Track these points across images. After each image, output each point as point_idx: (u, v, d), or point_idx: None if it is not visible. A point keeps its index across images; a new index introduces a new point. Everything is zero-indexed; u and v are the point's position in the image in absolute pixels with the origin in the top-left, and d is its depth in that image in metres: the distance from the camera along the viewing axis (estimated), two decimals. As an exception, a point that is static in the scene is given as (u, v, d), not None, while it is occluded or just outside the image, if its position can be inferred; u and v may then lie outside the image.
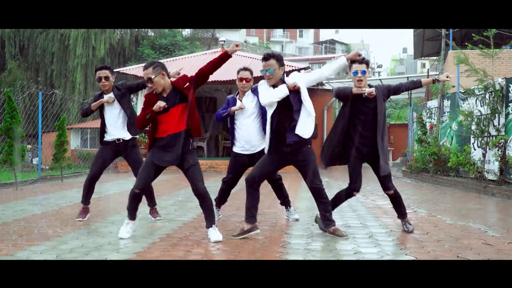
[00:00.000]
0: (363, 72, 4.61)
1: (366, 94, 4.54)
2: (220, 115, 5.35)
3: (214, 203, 5.37)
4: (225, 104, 5.41)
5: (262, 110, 5.42)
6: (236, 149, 5.35)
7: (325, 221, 4.63)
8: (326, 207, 4.62)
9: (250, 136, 5.26)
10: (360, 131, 4.64)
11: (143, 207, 5.49)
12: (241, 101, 5.33)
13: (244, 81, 5.35)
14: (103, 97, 5.48)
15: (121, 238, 4.42)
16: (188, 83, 4.39)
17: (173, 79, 4.55)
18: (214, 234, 4.38)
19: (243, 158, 5.32)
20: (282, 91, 4.41)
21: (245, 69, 5.41)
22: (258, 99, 5.22)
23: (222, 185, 5.53)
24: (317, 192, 4.58)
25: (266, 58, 4.49)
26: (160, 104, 4.26)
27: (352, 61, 4.68)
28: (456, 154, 9.77)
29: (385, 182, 4.73)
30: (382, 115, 4.64)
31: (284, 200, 5.58)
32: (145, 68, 4.39)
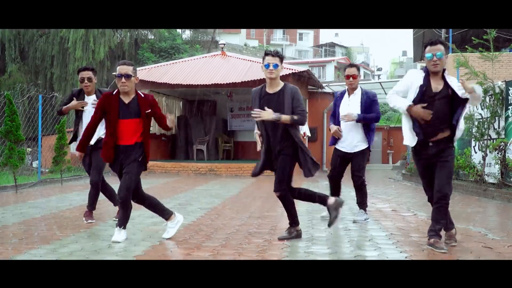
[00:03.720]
0: (275, 66, 4.38)
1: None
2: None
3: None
4: (334, 100, 5.48)
5: (366, 112, 5.30)
6: (337, 145, 5.44)
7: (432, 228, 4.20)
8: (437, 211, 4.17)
9: (349, 136, 5.32)
10: (269, 133, 4.46)
11: (140, 211, 5.49)
12: (348, 98, 5.35)
13: (351, 78, 5.26)
14: (83, 97, 5.47)
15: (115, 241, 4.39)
16: (150, 110, 4.40)
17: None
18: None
19: (341, 153, 5.40)
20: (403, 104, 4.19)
21: (352, 65, 5.34)
22: (365, 101, 5.23)
23: (329, 182, 5.58)
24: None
25: (434, 42, 4.06)
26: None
27: (266, 54, 4.50)
28: (456, 157, 9.77)
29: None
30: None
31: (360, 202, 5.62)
32: (124, 64, 4.34)
